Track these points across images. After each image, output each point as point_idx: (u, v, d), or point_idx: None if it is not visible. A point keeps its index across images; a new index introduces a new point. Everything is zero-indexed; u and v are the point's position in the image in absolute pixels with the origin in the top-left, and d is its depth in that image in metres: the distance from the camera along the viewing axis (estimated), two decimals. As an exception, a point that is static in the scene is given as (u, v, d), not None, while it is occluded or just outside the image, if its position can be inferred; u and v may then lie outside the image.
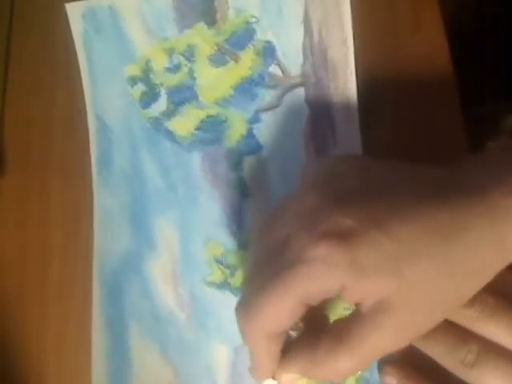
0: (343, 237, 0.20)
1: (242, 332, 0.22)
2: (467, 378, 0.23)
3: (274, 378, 0.24)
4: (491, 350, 0.23)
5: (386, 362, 0.26)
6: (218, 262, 0.28)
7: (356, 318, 0.21)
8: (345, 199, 0.21)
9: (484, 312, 0.23)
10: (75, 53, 0.31)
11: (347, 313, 0.26)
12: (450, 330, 0.24)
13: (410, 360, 0.25)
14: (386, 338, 0.20)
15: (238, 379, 0.27)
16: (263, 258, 0.22)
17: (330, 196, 0.21)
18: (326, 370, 0.21)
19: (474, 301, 0.23)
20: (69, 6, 0.32)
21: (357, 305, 0.21)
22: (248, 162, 0.29)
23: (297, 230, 0.21)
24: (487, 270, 0.21)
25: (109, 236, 0.29)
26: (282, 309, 0.21)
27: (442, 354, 0.23)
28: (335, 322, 0.23)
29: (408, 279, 0.20)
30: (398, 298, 0.20)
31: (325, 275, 0.20)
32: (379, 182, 0.22)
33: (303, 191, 0.23)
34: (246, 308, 0.22)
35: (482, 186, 0.21)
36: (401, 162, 0.23)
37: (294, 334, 0.24)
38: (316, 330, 0.22)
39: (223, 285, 0.28)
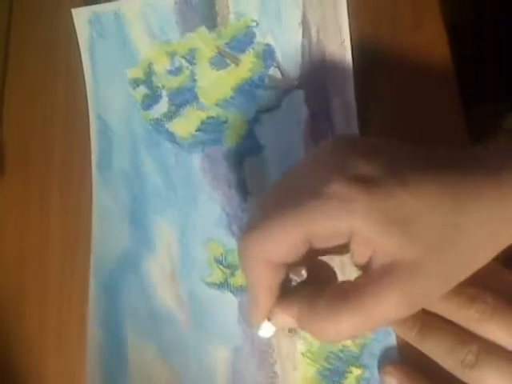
0: (364, 183, 0.20)
1: (241, 257, 0.22)
2: (467, 379, 0.23)
3: (269, 319, 0.23)
4: (491, 350, 0.22)
5: (387, 362, 0.26)
6: (218, 262, 0.28)
7: (364, 279, 0.21)
8: (367, 150, 0.21)
9: (485, 313, 0.23)
10: (76, 54, 0.32)
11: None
12: (450, 330, 0.23)
13: (410, 360, 0.25)
14: (392, 303, 0.20)
15: (237, 379, 0.27)
16: (279, 191, 0.22)
17: (353, 146, 0.21)
18: (324, 326, 0.21)
19: (474, 301, 0.23)
20: (75, 12, 0.32)
21: (365, 266, 0.21)
22: (248, 162, 0.29)
23: (318, 168, 0.21)
24: (494, 245, 0.21)
25: (107, 235, 0.29)
26: (285, 238, 0.20)
27: (442, 355, 0.23)
28: (342, 281, 0.22)
29: (420, 239, 0.19)
30: (408, 261, 0.20)
31: (338, 213, 0.20)
32: (399, 146, 0.22)
33: (322, 146, 0.22)
34: (248, 232, 0.21)
35: (496, 167, 0.21)
36: None
37: (296, 280, 0.23)
38: (321, 284, 0.22)
39: (223, 285, 0.28)
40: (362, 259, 0.21)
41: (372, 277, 0.20)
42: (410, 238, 0.19)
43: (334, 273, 0.24)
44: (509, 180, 0.20)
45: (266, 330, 0.23)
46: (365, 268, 0.21)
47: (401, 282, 0.20)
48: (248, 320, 0.24)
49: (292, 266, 0.22)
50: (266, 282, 0.22)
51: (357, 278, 0.21)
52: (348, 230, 0.20)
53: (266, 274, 0.22)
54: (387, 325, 0.25)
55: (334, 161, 0.21)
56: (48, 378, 0.28)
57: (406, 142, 0.22)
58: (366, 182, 0.20)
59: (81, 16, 0.32)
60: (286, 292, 0.23)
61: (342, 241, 0.21)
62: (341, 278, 0.25)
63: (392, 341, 0.26)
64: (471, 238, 0.20)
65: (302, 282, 0.23)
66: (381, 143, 0.22)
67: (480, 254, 0.21)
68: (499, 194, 0.20)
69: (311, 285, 0.23)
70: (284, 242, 0.21)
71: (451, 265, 0.20)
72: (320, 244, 0.21)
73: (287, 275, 0.23)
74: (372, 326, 0.21)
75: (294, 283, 0.23)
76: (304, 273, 0.23)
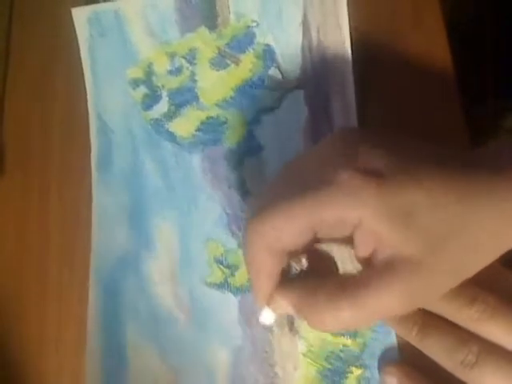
0: (374, 176, 0.20)
1: (246, 241, 0.22)
2: (467, 379, 0.23)
3: (269, 304, 0.23)
4: (491, 350, 0.23)
5: (387, 362, 0.26)
6: (218, 261, 0.28)
7: (366, 272, 0.21)
8: (380, 143, 0.21)
9: (485, 313, 0.23)
10: (76, 53, 0.32)
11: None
12: (451, 330, 0.23)
13: (410, 360, 0.25)
14: (392, 298, 0.20)
15: (237, 380, 0.27)
16: (286, 177, 0.22)
17: (365, 137, 0.21)
18: (323, 316, 0.21)
19: (474, 301, 0.23)
20: (75, 11, 0.32)
21: (367, 261, 0.21)
22: (248, 162, 0.29)
23: (329, 157, 0.21)
24: (498, 245, 0.21)
25: (107, 236, 0.29)
26: (290, 225, 0.20)
27: (442, 355, 0.23)
28: (343, 273, 0.22)
29: (426, 235, 0.20)
30: (411, 256, 0.20)
31: (347, 203, 0.20)
32: (410, 141, 0.22)
33: (332, 136, 0.22)
34: (253, 218, 0.21)
35: (503, 166, 0.21)
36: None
37: (296, 269, 0.23)
38: (322, 275, 0.22)
39: (223, 285, 0.28)
40: (365, 252, 0.21)
41: (375, 270, 0.20)
42: (417, 234, 0.19)
43: (335, 264, 0.23)
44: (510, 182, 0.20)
45: (266, 316, 0.23)
46: (367, 263, 0.21)
47: (403, 277, 0.20)
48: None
49: (293, 254, 0.22)
50: (266, 268, 0.22)
51: (359, 272, 0.21)
52: (355, 220, 0.20)
53: (267, 260, 0.22)
54: (386, 320, 0.25)
55: (345, 151, 0.21)
56: (47, 379, 0.28)
57: (416, 139, 0.22)
58: (378, 176, 0.20)
59: (80, 15, 0.32)
60: (287, 280, 0.22)
61: (346, 231, 0.21)
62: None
63: (392, 341, 0.26)
64: (476, 237, 0.20)
65: (303, 272, 0.23)
66: (392, 137, 0.22)
67: (484, 254, 0.21)
68: (507, 194, 0.20)
69: (312, 276, 0.23)
70: (288, 228, 0.20)
71: (454, 263, 0.20)
72: (324, 233, 0.21)
73: (288, 263, 0.23)
74: (371, 320, 0.21)
75: (294, 271, 0.23)
76: (304, 261, 0.23)
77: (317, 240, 0.21)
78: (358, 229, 0.20)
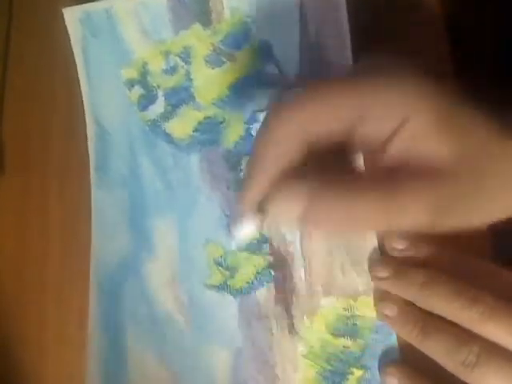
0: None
1: (273, 118, 0.20)
2: (468, 379, 0.23)
3: (260, 210, 0.20)
4: (492, 351, 0.23)
5: (387, 363, 0.26)
6: (218, 263, 0.28)
7: (402, 173, 0.19)
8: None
9: (485, 313, 0.23)
10: (73, 55, 0.31)
11: (347, 313, 0.26)
12: (451, 330, 0.23)
13: (411, 361, 0.25)
14: (422, 203, 0.19)
15: (237, 382, 0.27)
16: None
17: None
18: (348, 207, 0.18)
19: (475, 302, 0.23)
20: (66, 11, 0.32)
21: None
22: (246, 162, 0.29)
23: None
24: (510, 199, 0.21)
25: (107, 238, 0.29)
26: (339, 108, 0.19)
27: (443, 355, 0.23)
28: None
29: (467, 148, 0.19)
30: (442, 161, 0.19)
31: (400, 94, 0.19)
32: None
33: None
34: (299, 96, 0.20)
35: None
36: None
37: None
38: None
39: (222, 287, 0.28)
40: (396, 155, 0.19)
41: (411, 173, 0.19)
42: (456, 138, 0.19)
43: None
44: None
45: (246, 226, 0.21)
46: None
47: (435, 183, 0.19)
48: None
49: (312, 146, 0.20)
50: (283, 157, 0.19)
51: (390, 172, 0.20)
52: (401, 116, 0.19)
53: (288, 145, 0.19)
54: (387, 321, 0.25)
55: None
56: (47, 380, 0.28)
57: None
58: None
59: (72, 15, 0.32)
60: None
61: (387, 130, 0.19)
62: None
63: (393, 341, 0.26)
64: (497, 183, 0.20)
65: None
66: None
67: (498, 202, 0.21)
68: None
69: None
70: (336, 111, 0.19)
71: (479, 180, 0.20)
72: (364, 129, 0.19)
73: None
74: (394, 221, 0.19)
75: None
76: None
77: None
78: (401, 129, 0.19)
